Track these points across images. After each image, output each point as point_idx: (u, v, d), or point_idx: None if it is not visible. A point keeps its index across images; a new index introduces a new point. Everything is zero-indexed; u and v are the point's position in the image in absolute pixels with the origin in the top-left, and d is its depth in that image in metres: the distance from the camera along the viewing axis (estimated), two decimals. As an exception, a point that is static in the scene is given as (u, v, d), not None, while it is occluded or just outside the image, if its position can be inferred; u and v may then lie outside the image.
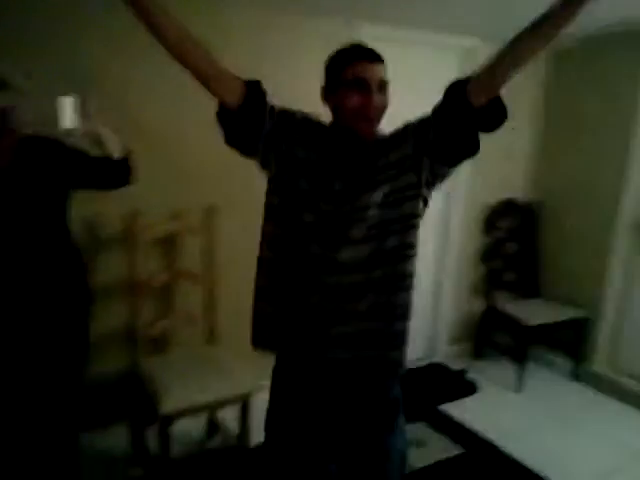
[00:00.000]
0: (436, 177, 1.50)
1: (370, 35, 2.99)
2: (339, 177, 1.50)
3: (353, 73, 1.44)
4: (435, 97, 1.47)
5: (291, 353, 1.61)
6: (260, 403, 2.61)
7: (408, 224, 1.50)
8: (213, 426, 2.80)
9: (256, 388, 2.50)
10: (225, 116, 1.48)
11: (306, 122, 1.56)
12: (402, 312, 1.55)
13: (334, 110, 1.52)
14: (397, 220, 1.49)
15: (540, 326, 3.52)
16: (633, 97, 3.35)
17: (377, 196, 1.47)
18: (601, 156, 3.55)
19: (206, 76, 1.39)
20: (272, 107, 1.51)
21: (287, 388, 1.66)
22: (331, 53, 1.54)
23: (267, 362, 3.13)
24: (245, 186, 2.92)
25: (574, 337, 3.69)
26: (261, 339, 1.64)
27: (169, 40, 1.32)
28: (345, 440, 1.63)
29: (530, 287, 3.93)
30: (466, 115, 1.38)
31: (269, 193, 1.58)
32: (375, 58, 1.47)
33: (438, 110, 1.44)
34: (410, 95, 2.69)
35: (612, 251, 3.54)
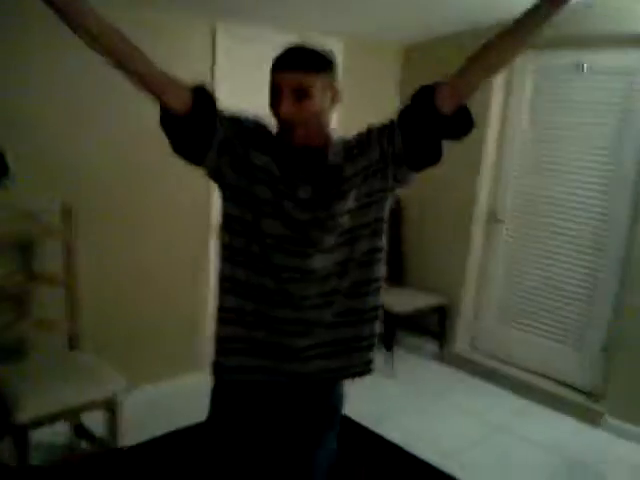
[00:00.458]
0: (401, 182, 1.49)
1: (228, 33, 3.08)
2: (303, 184, 1.44)
3: (274, 81, 1.39)
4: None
5: (253, 373, 1.53)
6: (129, 405, 2.55)
7: (376, 228, 1.51)
8: (79, 431, 2.69)
9: (123, 390, 2.43)
10: (171, 123, 1.37)
11: (259, 127, 1.48)
12: (372, 315, 1.57)
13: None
14: (366, 225, 1.49)
15: (407, 313, 3.73)
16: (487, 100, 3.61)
17: (349, 203, 1.45)
18: (459, 155, 3.79)
19: (150, 82, 1.30)
20: (223, 112, 1.43)
21: (239, 402, 1.59)
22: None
23: (138, 363, 3.05)
24: (107, 188, 2.84)
25: (438, 322, 3.94)
26: (229, 367, 1.53)
27: (102, 42, 1.23)
28: (279, 448, 1.62)
29: (397, 278, 4.14)
30: (433, 122, 1.37)
31: (226, 203, 1.48)
32: (297, 66, 1.37)
33: (404, 116, 1.43)
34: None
35: (469, 242, 3.83)
